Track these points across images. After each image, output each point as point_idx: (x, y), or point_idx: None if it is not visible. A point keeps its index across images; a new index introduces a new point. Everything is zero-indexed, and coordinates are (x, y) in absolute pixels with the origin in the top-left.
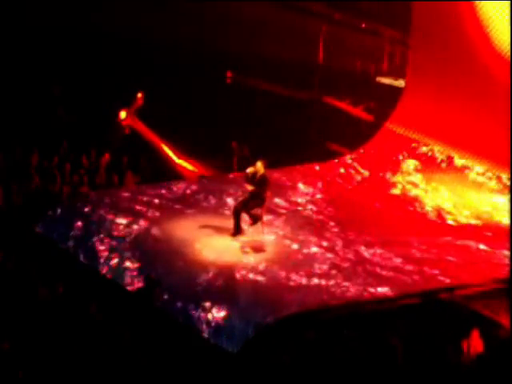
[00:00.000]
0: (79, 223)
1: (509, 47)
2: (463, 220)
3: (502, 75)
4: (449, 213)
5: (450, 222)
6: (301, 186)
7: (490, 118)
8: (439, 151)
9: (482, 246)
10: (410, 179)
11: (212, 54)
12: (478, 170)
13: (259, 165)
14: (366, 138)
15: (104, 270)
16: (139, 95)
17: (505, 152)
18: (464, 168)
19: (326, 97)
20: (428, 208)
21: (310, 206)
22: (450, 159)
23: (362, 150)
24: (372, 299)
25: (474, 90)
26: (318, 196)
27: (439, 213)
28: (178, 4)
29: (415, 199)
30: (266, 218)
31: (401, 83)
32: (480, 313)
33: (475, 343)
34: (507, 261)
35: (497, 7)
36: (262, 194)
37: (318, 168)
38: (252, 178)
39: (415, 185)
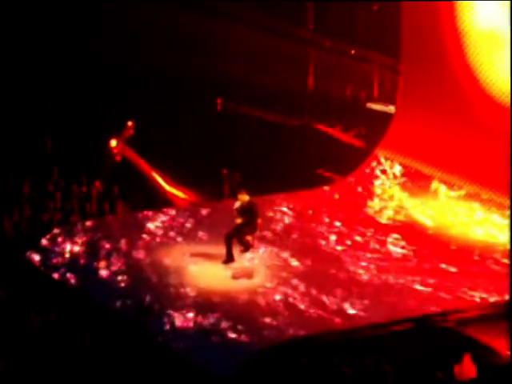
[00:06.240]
0: (71, 251)
1: (491, 80)
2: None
3: (489, 103)
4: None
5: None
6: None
7: (480, 143)
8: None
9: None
10: (397, 204)
11: (202, 82)
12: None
13: (240, 196)
14: (356, 163)
15: (95, 297)
16: (130, 123)
17: (497, 175)
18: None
19: (317, 123)
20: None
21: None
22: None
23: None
24: (364, 324)
25: (463, 115)
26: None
27: (433, 237)
28: (169, 31)
29: (405, 224)
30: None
31: (391, 109)
32: (473, 338)
33: (467, 368)
34: (505, 284)
35: (481, 39)
36: (253, 221)
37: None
38: (241, 210)
39: (403, 209)
